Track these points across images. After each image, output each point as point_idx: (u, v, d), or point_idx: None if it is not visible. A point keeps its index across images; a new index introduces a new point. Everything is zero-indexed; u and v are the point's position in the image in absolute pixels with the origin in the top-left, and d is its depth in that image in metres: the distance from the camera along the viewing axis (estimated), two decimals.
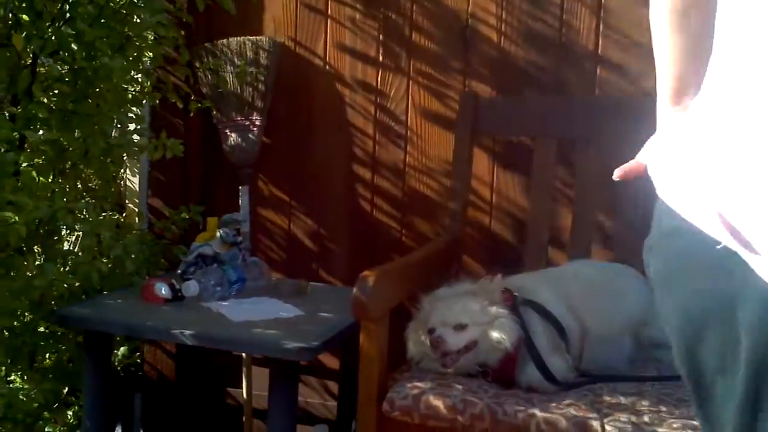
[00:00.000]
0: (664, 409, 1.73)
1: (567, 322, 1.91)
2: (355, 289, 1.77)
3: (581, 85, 2.46)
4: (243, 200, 2.71)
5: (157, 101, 2.52)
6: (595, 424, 1.66)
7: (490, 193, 2.56)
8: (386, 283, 1.85)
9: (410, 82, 2.61)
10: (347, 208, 2.70)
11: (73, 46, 2.11)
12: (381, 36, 2.63)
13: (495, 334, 1.83)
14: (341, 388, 2.53)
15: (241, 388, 2.75)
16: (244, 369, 2.73)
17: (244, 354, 2.72)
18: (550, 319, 1.89)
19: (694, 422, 1.64)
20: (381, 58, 2.63)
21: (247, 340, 2.05)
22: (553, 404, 1.73)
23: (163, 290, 2.26)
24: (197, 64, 2.66)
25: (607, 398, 1.77)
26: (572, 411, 1.70)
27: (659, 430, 1.64)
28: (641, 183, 2.13)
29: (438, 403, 1.75)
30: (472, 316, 1.86)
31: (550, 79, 2.48)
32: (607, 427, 1.65)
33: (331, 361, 2.70)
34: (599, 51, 2.43)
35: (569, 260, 2.32)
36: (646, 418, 1.68)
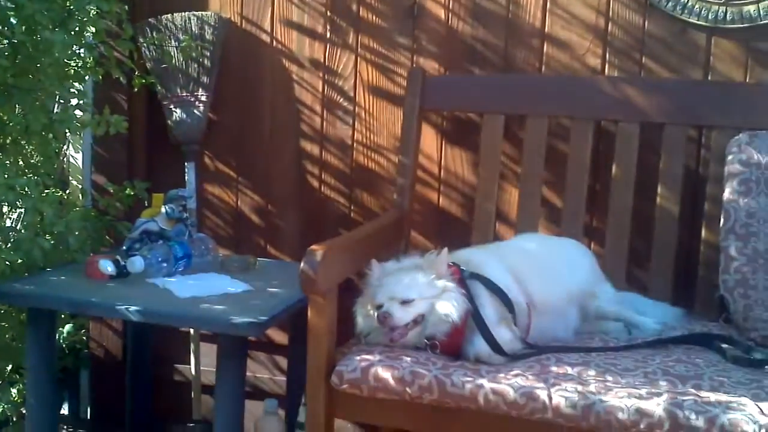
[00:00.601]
0: (610, 378, 1.74)
1: (514, 295, 1.91)
2: (302, 264, 1.75)
3: (528, 62, 2.46)
4: (189, 176, 2.66)
5: (100, 77, 2.46)
6: (542, 393, 1.67)
7: (438, 169, 2.55)
8: (334, 257, 1.83)
9: (358, 59, 2.59)
10: (295, 184, 2.67)
11: (13, 19, 2.06)
12: (328, 12, 2.59)
13: (442, 307, 1.83)
14: (290, 363, 2.51)
15: (189, 365, 2.73)
16: (192, 345, 2.70)
17: (191, 330, 2.70)
18: (496, 292, 1.89)
19: (639, 391, 1.67)
20: (328, 34, 2.60)
21: (194, 316, 2.01)
22: (501, 375, 1.73)
23: (108, 267, 2.21)
24: (141, 40, 2.60)
25: (554, 369, 1.78)
26: (520, 381, 1.71)
27: (605, 398, 1.65)
28: (586, 159, 2.14)
29: (386, 375, 1.74)
30: (419, 289, 1.85)
31: (497, 55, 2.48)
32: (554, 397, 1.66)
33: (279, 337, 2.68)
34: (546, 28, 2.43)
35: (516, 235, 2.32)
36: (592, 387, 1.69)
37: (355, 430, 2.69)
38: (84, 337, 2.87)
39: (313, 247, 1.77)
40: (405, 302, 1.84)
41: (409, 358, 1.79)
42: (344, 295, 1.93)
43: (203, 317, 2.00)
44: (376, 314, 1.86)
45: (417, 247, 2.43)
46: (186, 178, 2.66)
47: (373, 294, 1.90)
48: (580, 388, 1.68)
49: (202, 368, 2.70)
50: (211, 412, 2.12)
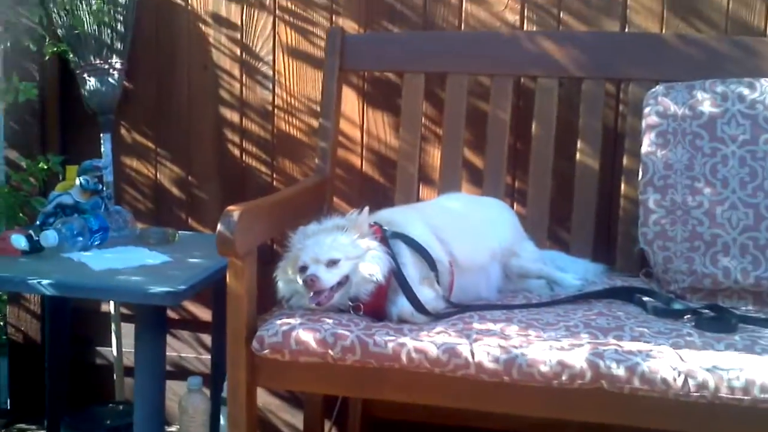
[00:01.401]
0: (532, 333, 1.73)
1: (436, 253, 1.89)
2: (219, 225, 1.70)
3: (447, 19, 2.43)
4: (105, 148, 2.58)
5: (8, 44, 2.36)
6: (465, 349, 1.65)
7: (360, 133, 2.52)
8: (252, 219, 1.78)
9: (276, 20, 2.53)
10: (215, 153, 2.61)
11: None
12: None
13: (367, 267, 1.80)
14: (214, 339, 2.46)
15: (111, 346, 2.66)
16: (112, 326, 2.63)
17: (111, 310, 2.63)
18: (419, 251, 1.87)
19: (561, 343, 1.66)
20: None
21: (110, 288, 1.94)
22: (424, 333, 1.71)
23: (21, 242, 2.13)
24: (51, 5, 2.50)
25: (477, 325, 1.76)
26: (442, 338, 1.69)
27: (527, 352, 1.64)
28: (507, 117, 2.12)
29: (308, 337, 1.71)
30: (343, 250, 1.82)
31: (415, 13, 2.45)
32: (477, 352, 1.65)
33: (204, 314, 2.62)
34: None
35: (439, 195, 2.30)
36: (514, 342, 1.68)
37: (282, 406, 2.67)
38: (1, 323, 2.77)
39: (230, 208, 1.73)
40: (330, 263, 1.80)
41: (331, 320, 1.76)
42: (265, 269, 1.89)
43: (119, 288, 1.94)
44: (299, 278, 1.82)
45: (340, 213, 2.39)
46: (102, 150, 2.57)
47: (295, 257, 1.86)
48: (502, 343, 1.67)
49: (124, 350, 2.63)
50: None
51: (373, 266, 1.80)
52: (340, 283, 1.82)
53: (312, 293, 1.80)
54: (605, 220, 2.32)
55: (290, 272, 1.87)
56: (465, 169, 2.39)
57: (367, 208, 1.88)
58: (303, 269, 1.82)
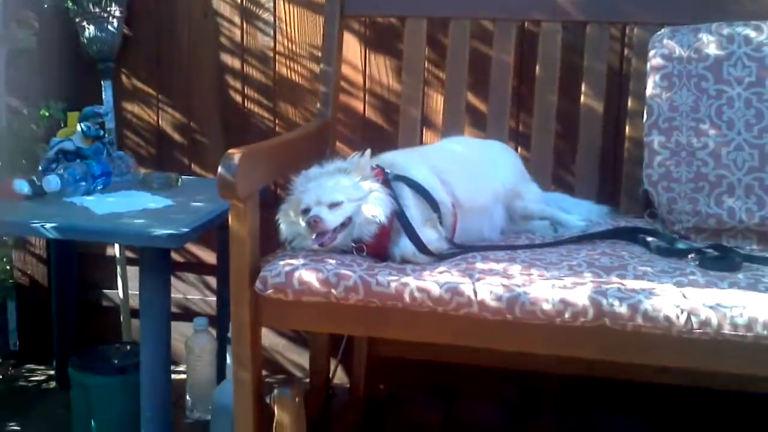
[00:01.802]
0: (535, 272, 1.73)
1: (438, 195, 1.89)
2: (220, 168, 1.69)
3: None
4: (106, 95, 2.57)
5: None
6: (467, 288, 1.65)
7: (362, 77, 2.50)
8: (253, 162, 1.77)
9: None
10: (217, 99, 2.60)
11: None
12: None
13: (369, 209, 1.80)
14: (219, 281, 2.48)
15: (117, 289, 2.67)
16: (118, 268, 2.65)
17: (117, 254, 2.63)
18: (421, 192, 1.87)
19: (564, 282, 1.66)
20: None
21: (113, 231, 1.95)
22: (426, 273, 1.71)
23: (23, 187, 2.13)
24: None
25: (480, 265, 1.76)
26: (445, 278, 1.69)
27: (529, 290, 1.64)
28: (510, 61, 2.09)
29: (311, 277, 1.71)
30: (345, 192, 1.81)
31: None
32: (479, 291, 1.64)
33: (209, 257, 2.64)
34: None
35: (442, 138, 2.28)
36: (517, 280, 1.67)
37: (289, 346, 2.69)
38: (8, 267, 2.78)
39: (231, 151, 1.71)
40: (333, 205, 1.80)
41: (333, 261, 1.75)
42: (268, 213, 1.89)
43: (122, 231, 1.94)
44: (302, 220, 1.81)
45: (342, 156, 2.38)
46: (103, 97, 2.56)
47: (298, 200, 1.85)
48: (505, 281, 1.67)
49: (130, 292, 2.65)
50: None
51: (375, 208, 1.80)
52: (343, 225, 1.81)
53: (315, 235, 1.79)
54: (610, 162, 2.31)
55: (293, 215, 1.87)
56: (468, 112, 2.37)
57: (369, 151, 1.87)
58: (306, 211, 1.81)
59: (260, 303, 1.77)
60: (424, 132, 2.40)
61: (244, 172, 1.70)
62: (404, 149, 2.17)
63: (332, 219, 1.79)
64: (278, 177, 2.16)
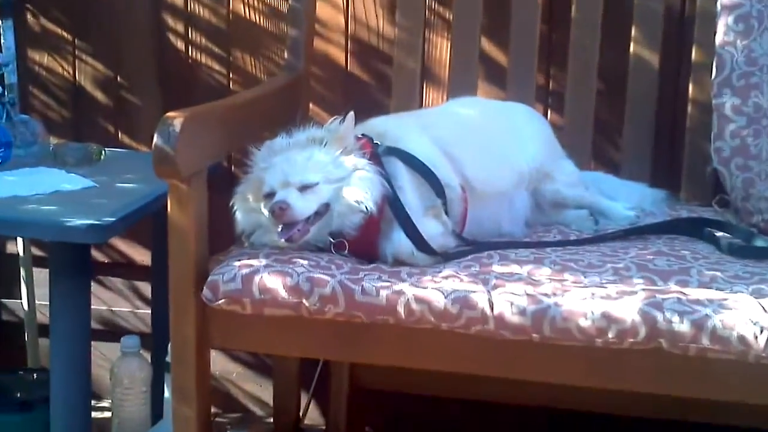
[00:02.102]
0: (569, 277, 1.73)
1: (444, 175, 1.89)
2: (156, 137, 1.68)
3: None
4: (6, 40, 2.54)
5: None
6: (482, 298, 1.65)
7: (344, 18, 2.50)
8: (200, 129, 1.76)
9: None
10: (153, 46, 2.59)
11: None
12: None
13: (352, 192, 1.79)
14: (154, 288, 2.46)
15: (20, 298, 2.66)
16: (21, 271, 2.63)
17: (20, 251, 2.62)
18: (421, 171, 1.87)
19: (607, 290, 1.66)
20: None
21: (13, 221, 1.92)
22: (427, 278, 1.71)
23: None
24: None
25: (498, 268, 1.76)
26: (452, 284, 1.68)
27: (562, 301, 1.64)
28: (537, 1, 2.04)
29: (276, 283, 1.70)
30: (321, 170, 1.81)
31: None
32: (497, 302, 1.64)
33: (141, 255, 2.64)
34: None
35: (448, 99, 2.30)
36: (546, 289, 1.67)
37: (246, 375, 2.69)
38: None
39: (171, 114, 1.70)
40: (304, 188, 1.79)
41: (305, 261, 1.75)
42: (220, 197, 1.89)
43: (26, 221, 1.92)
44: (264, 207, 1.81)
45: (317, 122, 2.38)
46: (1, 42, 2.55)
47: (259, 180, 1.85)
48: (530, 290, 1.66)
49: (37, 302, 2.63)
50: None
51: (360, 191, 1.79)
52: (318, 213, 1.81)
53: (281, 226, 1.79)
54: (667, 132, 2.31)
55: (252, 199, 1.86)
56: (482, 64, 2.37)
57: (352, 115, 1.86)
58: (269, 196, 1.81)
59: (209, 317, 1.76)
60: (425, 91, 2.40)
61: (187, 142, 1.69)
62: (399, 114, 2.17)
63: (303, 206, 1.79)
64: (233, 149, 2.15)
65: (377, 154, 1.86)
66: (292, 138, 1.89)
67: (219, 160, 2.15)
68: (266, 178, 1.83)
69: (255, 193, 1.86)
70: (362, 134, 1.89)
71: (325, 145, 1.85)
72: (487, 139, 2.06)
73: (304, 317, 1.71)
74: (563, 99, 2.31)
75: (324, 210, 1.81)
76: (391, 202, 1.81)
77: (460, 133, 2.01)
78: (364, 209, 1.79)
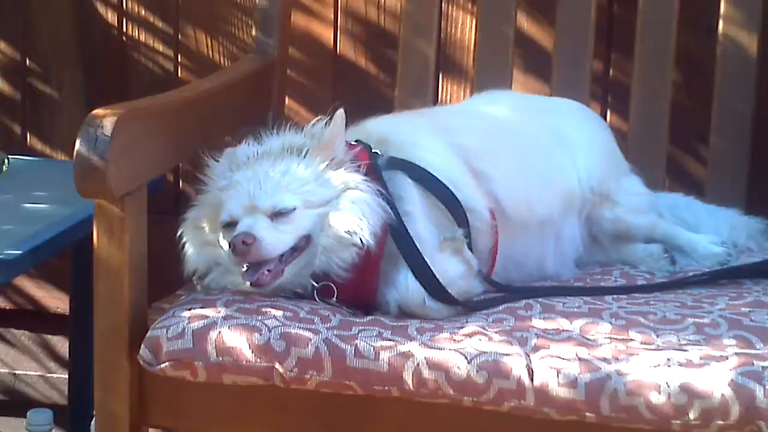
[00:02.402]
0: (636, 336, 1.73)
1: (468, 196, 1.90)
2: (78, 142, 1.68)
3: None
4: None
5: None
6: (517, 363, 1.64)
7: None
8: (138, 130, 1.77)
9: None
10: (73, 20, 2.61)
11: None
12: None
13: (342, 220, 1.80)
14: (74, 346, 2.46)
15: None
16: None
17: None
18: (437, 192, 1.87)
19: (686, 354, 1.66)
20: None
21: None
22: (444, 335, 1.71)
23: None
24: None
25: (539, 323, 1.77)
26: (477, 344, 1.68)
27: (627, 369, 1.63)
28: None
29: (239, 341, 1.70)
30: (300, 190, 1.81)
31: None
32: (537, 367, 1.64)
33: (56, 301, 2.65)
34: None
35: (473, 94, 2.31)
36: (605, 352, 1.67)
37: None
38: None
39: (98, 111, 1.71)
40: (277, 215, 1.80)
41: (280, 312, 1.75)
42: (164, 224, 1.90)
43: None
44: (223, 239, 1.82)
45: (296, 122, 2.39)
46: None
47: (216, 203, 1.86)
48: (583, 353, 1.66)
49: None
50: None
51: (352, 218, 1.80)
52: (296, 249, 1.82)
53: (245, 266, 1.79)
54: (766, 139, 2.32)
55: (207, 229, 1.88)
56: (519, 48, 2.39)
57: (342, 114, 1.86)
58: (230, 225, 1.82)
59: (147, 386, 1.77)
60: (442, 82, 2.43)
61: (121, 149, 1.70)
62: (407, 113, 2.17)
63: (276, 240, 1.79)
64: (182, 159, 2.14)
65: (376, 167, 1.86)
66: (261, 146, 1.90)
67: (163, 174, 2.14)
68: (226, 200, 1.84)
69: (211, 221, 1.87)
70: (356, 141, 1.90)
71: (305, 155, 1.85)
72: (526, 149, 2.07)
73: (278, 387, 1.72)
74: (628, 94, 2.33)
75: (304, 244, 1.82)
76: (396, 232, 1.82)
77: (488, 140, 2.02)
78: (358, 242, 1.80)
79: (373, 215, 1.80)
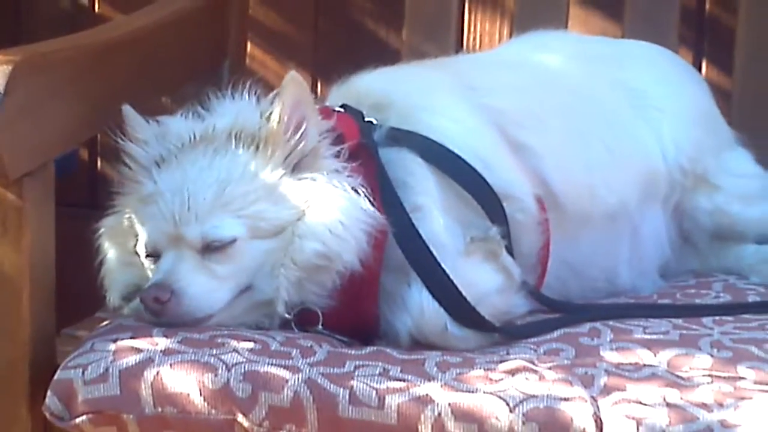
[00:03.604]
0: (747, 373, 1.75)
1: (505, 179, 1.92)
2: None
3: None
4: None
5: None
6: (579, 411, 1.65)
7: None
8: (42, 85, 1.79)
9: None
10: None
11: None
12: None
13: (310, 247, 1.82)
14: None
15: None
16: None
17: None
18: (461, 175, 1.89)
19: None
20: None
21: None
22: (476, 372, 1.72)
23: None
24: None
25: (610, 355, 1.79)
26: (522, 385, 1.69)
27: (733, 417, 1.63)
28: None
29: (188, 384, 1.72)
30: (245, 211, 1.84)
31: None
32: (608, 416, 1.65)
33: None
34: None
35: (512, 37, 2.36)
36: (702, 394, 1.69)
37: None
38: None
39: None
40: (211, 248, 1.83)
41: (243, 344, 1.77)
42: (79, 220, 1.91)
43: None
44: (147, 267, 1.87)
45: (263, 77, 2.41)
46: None
47: (138, 215, 1.89)
48: (673, 396, 1.67)
49: None
50: None
51: (325, 237, 1.82)
52: (247, 289, 1.86)
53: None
54: None
55: (129, 241, 1.92)
56: None
57: (294, 78, 1.86)
58: (152, 256, 1.86)
59: None
60: (468, 18, 2.46)
61: (18, 111, 1.72)
62: (416, 64, 2.20)
63: (205, 293, 1.83)
64: (101, 128, 2.15)
65: (370, 143, 1.89)
66: (201, 125, 1.92)
67: (74, 149, 2.16)
68: (146, 219, 1.87)
69: (133, 236, 1.91)
70: (342, 106, 1.93)
71: (263, 143, 1.87)
72: (587, 113, 2.09)
73: None
74: (731, 39, 2.35)
75: (256, 283, 1.87)
76: (401, 236, 1.84)
77: (533, 101, 2.05)
78: (339, 267, 1.83)
79: (354, 229, 1.83)
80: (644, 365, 1.76)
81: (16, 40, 2.34)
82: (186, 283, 1.79)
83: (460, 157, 1.90)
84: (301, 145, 1.85)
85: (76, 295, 1.87)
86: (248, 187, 1.84)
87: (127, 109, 1.91)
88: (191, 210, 1.81)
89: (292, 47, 2.43)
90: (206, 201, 1.82)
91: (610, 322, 1.87)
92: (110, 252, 1.92)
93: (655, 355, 1.79)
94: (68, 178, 1.87)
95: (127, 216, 1.92)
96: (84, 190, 2.05)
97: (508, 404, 1.68)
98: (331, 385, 1.72)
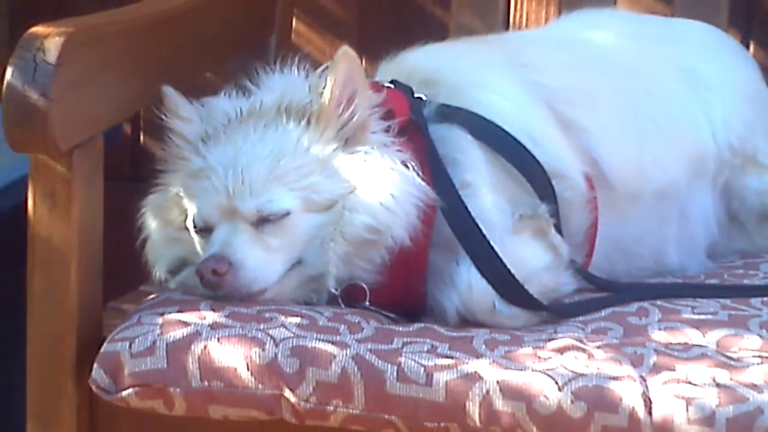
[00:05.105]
0: None
1: (555, 157, 1.93)
2: (9, 73, 1.70)
3: None
4: None
5: None
6: (628, 390, 1.65)
7: None
8: (95, 59, 1.79)
9: None
10: None
11: None
12: None
13: (361, 220, 1.84)
14: None
15: None
16: None
17: None
18: (511, 153, 1.90)
19: None
20: None
21: None
22: (525, 350, 1.73)
23: None
24: None
25: (659, 334, 1.79)
26: (571, 364, 1.70)
27: None
28: None
29: (235, 358, 1.73)
30: (299, 184, 1.86)
31: None
32: (657, 396, 1.65)
33: None
34: None
35: (561, 14, 2.36)
36: (752, 375, 1.68)
37: None
38: None
39: (38, 30, 1.73)
40: (265, 221, 1.84)
41: (291, 319, 1.78)
42: (125, 194, 1.92)
43: None
44: (198, 245, 1.88)
45: (308, 54, 2.41)
46: None
47: (186, 191, 1.91)
48: (722, 376, 1.67)
49: None
50: None
51: (375, 212, 1.84)
52: (299, 263, 1.87)
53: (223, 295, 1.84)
54: None
55: (176, 223, 1.94)
56: None
57: (347, 53, 1.87)
58: (203, 231, 1.87)
59: (103, 421, 1.80)
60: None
61: (71, 83, 1.73)
62: (465, 40, 2.21)
63: (262, 265, 1.84)
64: (148, 102, 2.16)
65: (420, 119, 1.89)
66: (246, 102, 1.93)
67: (119, 123, 2.16)
68: (197, 194, 1.88)
69: (180, 213, 1.92)
70: (392, 81, 1.93)
71: (309, 122, 1.88)
72: (637, 91, 2.09)
73: (288, 424, 1.74)
74: None
75: (308, 257, 1.88)
76: (451, 213, 1.84)
77: (583, 79, 2.05)
78: (389, 241, 1.84)
79: (404, 203, 1.84)
80: (693, 345, 1.76)
81: (56, 11, 2.35)
82: (243, 255, 1.80)
83: (509, 135, 1.90)
84: (353, 119, 1.84)
85: (116, 269, 1.87)
86: (301, 160, 1.85)
87: (168, 90, 1.91)
88: (245, 183, 1.81)
89: (337, 23, 2.42)
90: (260, 174, 1.83)
91: (658, 302, 1.87)
92: (155, 227, 1.93)
93: (704, 336, 1.79)
94: (112, 152, 1.84)
95: (173, 192, 1.91)
96: (127, 164, 2.04)
97: (556, 382, 1.68)
98: (379, 362, 1.72)
